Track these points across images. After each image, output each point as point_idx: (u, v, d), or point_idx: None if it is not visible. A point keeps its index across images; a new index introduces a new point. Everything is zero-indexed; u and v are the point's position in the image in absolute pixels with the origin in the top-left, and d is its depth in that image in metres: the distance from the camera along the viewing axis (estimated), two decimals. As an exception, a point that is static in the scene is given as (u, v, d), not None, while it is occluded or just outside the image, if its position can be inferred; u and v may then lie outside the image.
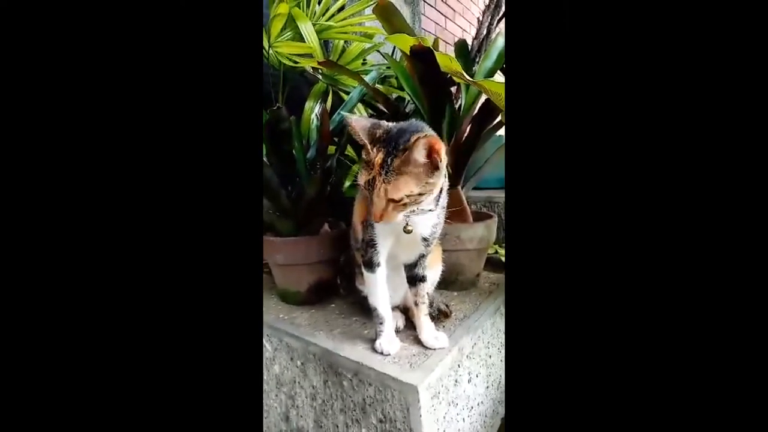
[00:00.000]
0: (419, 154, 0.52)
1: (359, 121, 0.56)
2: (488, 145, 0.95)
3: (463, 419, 0.68)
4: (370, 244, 0.64)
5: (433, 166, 0.53)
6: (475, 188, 1.14)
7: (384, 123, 0.57)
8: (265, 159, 0.68)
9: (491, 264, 1.03)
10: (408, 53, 0.61)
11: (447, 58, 0.57)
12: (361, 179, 0.56)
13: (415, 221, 0.60)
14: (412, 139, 0.52)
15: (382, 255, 0.65)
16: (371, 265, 0.65)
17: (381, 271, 0.65)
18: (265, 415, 0.82)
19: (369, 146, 0.54)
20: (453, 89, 0.99)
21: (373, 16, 1.05)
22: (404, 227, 0.59)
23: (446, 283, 0.85)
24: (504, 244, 1.22)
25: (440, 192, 0.60)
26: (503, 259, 1.15)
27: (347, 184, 1.00)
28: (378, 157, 0.53)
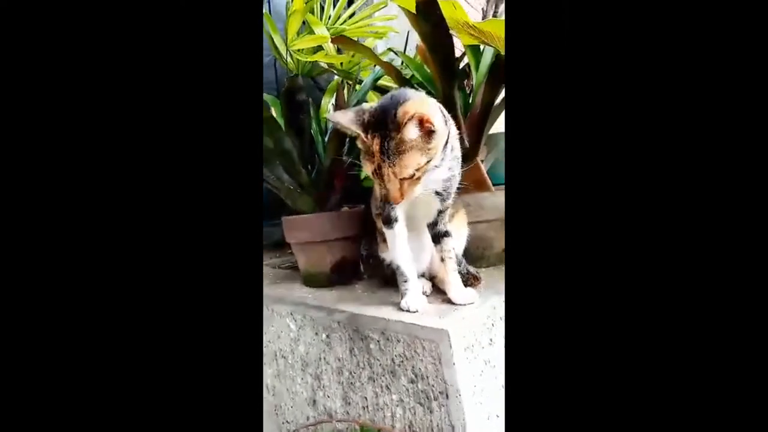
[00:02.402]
0: (412, 132, 0.52)
1: (343, 115, 0.56)
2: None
3: (503, 386, 0.62)
4: (386, 199, 0.63)
5: (428, 133, 0.53)
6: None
7: (366, 105, 0.57)
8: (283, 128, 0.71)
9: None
10: (413, 11, 0.63)
11: (450, 6, 0.59)
12: (368, 169, 0.56)
13: (425, 180, 0.58)
14: (399, 116, 0.51)
15: (399, 209, 0.63)
16: (389, 221, 0.64)
17: (400, 227, 0.64)
18: (291, 403, 0.78)
19: (363, 135, 0.54)
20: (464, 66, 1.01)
21: (384, 17, 1.12)
22: None
23: (473, 258, 0.82)
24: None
25: (445, 144, 0.58)
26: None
27: (365, 173, 1.01)
28: (375, 144, 0.53)
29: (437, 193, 0.62)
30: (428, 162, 0.54)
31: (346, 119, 0.55)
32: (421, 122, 0.52)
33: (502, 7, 0.97)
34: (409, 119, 0.51)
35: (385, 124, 0.53)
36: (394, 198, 0.55)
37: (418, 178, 0.55)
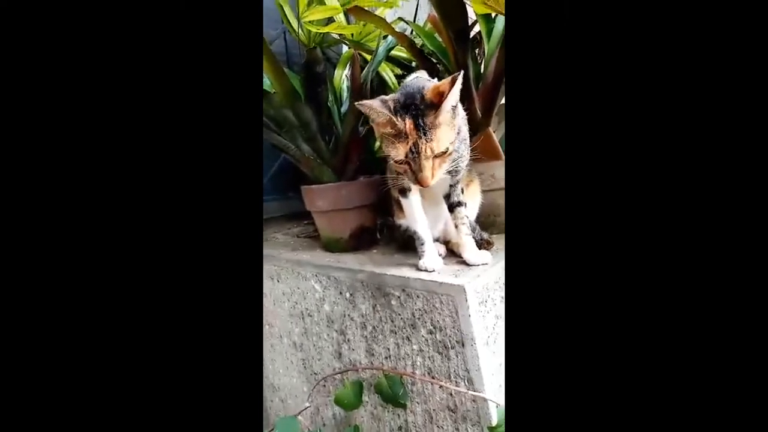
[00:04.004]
0: (452, 100, 0.56)
1: (371, 102, 0.58)
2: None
3: (513, 338, 0.68)
4: (398, 172, 0.67)
5: (453, 109, 0.57)
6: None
7: (386, 96, 0.60)
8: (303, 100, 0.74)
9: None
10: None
11: (466, -24, 0.61)
12: (399, 152, 0.57)
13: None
14: (430, 95, 0.55)
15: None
16: (404, 191, 0.69)
17: (414, 196, 0.69)
18: (318, 357, 0.85)
19: (393, 118, 0.56)
20: (476, 34, 1.02)
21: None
22: None
23: (485, 225, 0.86)
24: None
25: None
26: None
27: (378, 144, 1.05)
28: (408, 125, 0.56)
29: (447, 171, 0.66)
30: (455, 139, 0.58)
31: (376, 105, 0.57)
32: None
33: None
34: (451, 88, 0.54)
35: (414, 105, 0.56)
36: (425, 179, 0.57)
37: (450, 154, 0.58)
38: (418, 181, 0.58)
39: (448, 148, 0.57)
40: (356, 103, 0.59)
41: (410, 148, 0.56)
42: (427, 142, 0.56)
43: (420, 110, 0.56)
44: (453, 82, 0.55)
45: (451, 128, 0.57)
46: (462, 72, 0.56)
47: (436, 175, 0.58)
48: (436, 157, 0.57)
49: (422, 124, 0.56)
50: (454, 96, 0.56)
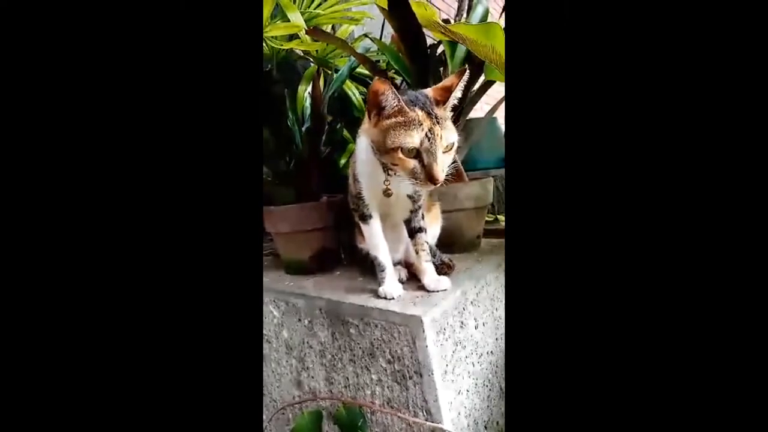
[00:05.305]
0: (457, 95, 0.56)
1: (380, 85, 0.54)
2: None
3: (473, 364, 0.68)
4: (359, 197, 0.67)
5: None
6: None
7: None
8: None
9: (495, 233, 1.04)
10: (386, 7, 0.64)
11: (422, 6, 0.61)
12: (413, 140, 0.53)
13: (397, 183, 0.61)
14: (433, 95, 0.56)
15: (372, 207, 0.67)
16: (364, 218, 0.68)
17: (374, 222, 0.68)
18: (277, 384, 0.82)
19: (405, 107, 0.54)
20: (441, 53, 1.03)
21: (360, 2, 1.11)
22: (385, 191, 0.61)
23: (447, 245, 0.87)
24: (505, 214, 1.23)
25: None
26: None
27: (343, 161, 1.03)
28: (421, 112, 0.54)
29: (408, 196, 0.66)
30: (457, 137, 0.58)
31: (384, 88, 0.54)
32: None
33: (480, 9, 0.97)
34: (458, 83, 0.55)
35: (420, 101, 0.55)
36: (437, 174, 0.53)
37: (454, 150, 0.56)
38: (429, 178, 0.53)
39: (454, 143, 0.56)
40: (373, 82, 0.54)
41: (426, 134, 0.53)
42: (441, 129, 0.54)
43: (428, 104, 0.55)
44: (460, 76, 0.56)
45: (452, 126, 0.57)
46: (467, 68, 0.56)
47: (443, 169, 0.54)
48: (444, 152, 0.54)
49: (433, 114, 0.54)
50: (459, 90, 0.56)
